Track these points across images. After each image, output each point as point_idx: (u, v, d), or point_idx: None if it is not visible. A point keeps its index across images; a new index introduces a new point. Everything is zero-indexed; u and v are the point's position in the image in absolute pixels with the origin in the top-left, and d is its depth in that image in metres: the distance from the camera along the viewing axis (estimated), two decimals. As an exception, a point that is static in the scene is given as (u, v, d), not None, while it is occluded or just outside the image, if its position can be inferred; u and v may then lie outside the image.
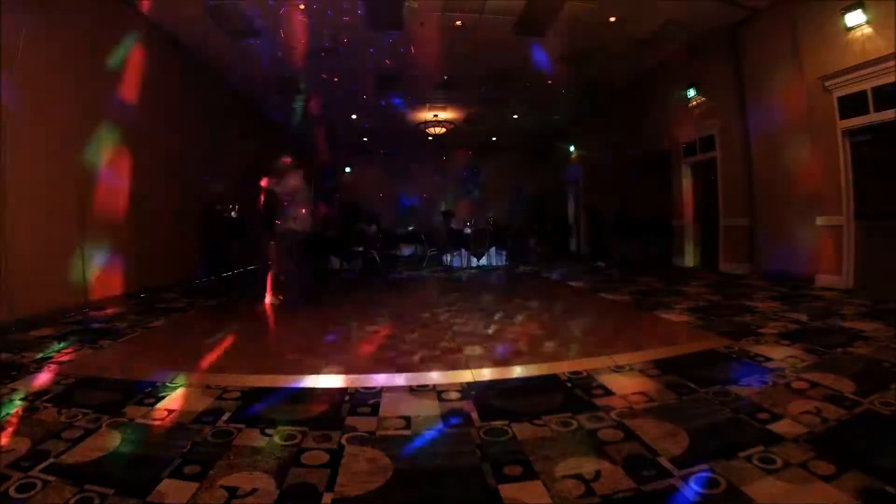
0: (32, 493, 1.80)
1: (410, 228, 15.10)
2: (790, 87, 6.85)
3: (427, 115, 13.15)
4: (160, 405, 2.70)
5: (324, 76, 9.85)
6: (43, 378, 3.16)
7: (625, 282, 7.68)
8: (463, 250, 11.37)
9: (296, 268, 5.75)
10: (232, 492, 1.82)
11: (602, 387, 2.89)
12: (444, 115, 13.20)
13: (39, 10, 5.09)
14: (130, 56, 6.76)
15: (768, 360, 3.28)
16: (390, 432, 2.35)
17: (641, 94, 10.80)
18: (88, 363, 3.57)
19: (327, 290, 7.33)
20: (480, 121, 13.87)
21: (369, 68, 9.51)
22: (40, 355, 3.71)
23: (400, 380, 3.12)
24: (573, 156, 15.26)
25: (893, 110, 5.39)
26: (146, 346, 4.17)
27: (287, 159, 5.92)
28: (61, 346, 4.02)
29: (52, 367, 3.42)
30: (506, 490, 1.82)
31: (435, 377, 3.15)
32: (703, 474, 1.85)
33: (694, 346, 3.70)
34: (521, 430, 2.31)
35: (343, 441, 2.24)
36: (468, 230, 11.89)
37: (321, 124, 13.61)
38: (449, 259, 11.44)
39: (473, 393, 2.86)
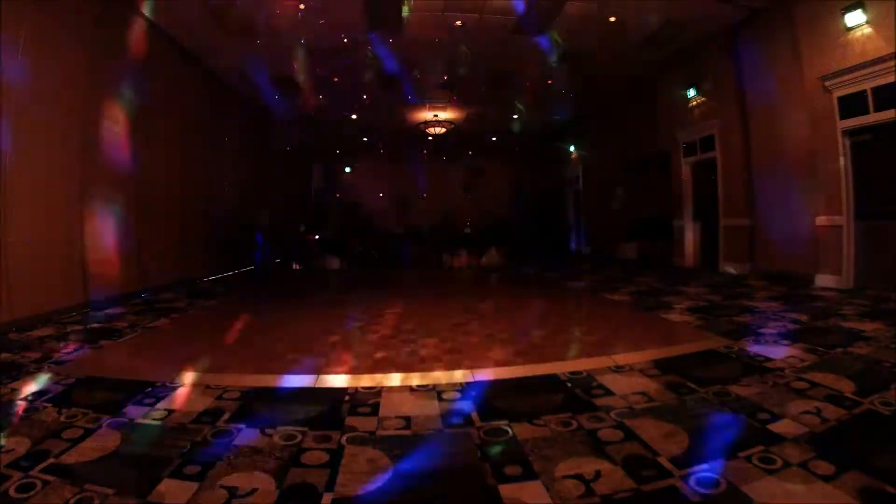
0: (32, 493, 1.79)
1: (410, 228, 15.11)
2: (790, 87, 6.85)
3: (427, 115, 13.16)
4: (160, 405, 2.70)
5: (324, 76, 9.85)
6: (43, 378, 3.16)
7: (624, 282, 7.68)
8: (463, 250, 11.39)
9: None
10: (232, 492, 1.82)
11: (602, 387, 2.89)
12: (444, 115, 13.21)
13: (40, 9, 5.08)
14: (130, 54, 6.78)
15: (768, 359, 3.28)
16: (390, 432, 2.35)
17: (641, 93, 10.80)
18: (88, 363, 3.57)
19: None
20: (480, 121, 13.87)
21: (369, 68, 9.50)
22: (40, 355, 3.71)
23: (400, 380, 3.12)
24: (573, 156, 15.27)
25: (893, 110, 5.39)
26: (146, 346, 4.17)
27: None
28: (61, 345, 4.03)
29: (52, 367, 3.42)
30: (506, 490, 1.81)
31: (435, 377, 3.15)
32: (703, 474, 1.85)
33: (694, 346, 3.70)
34: (521, 430, 2.31)
35: (343, 441, 2.24)
36: (468, 230, 11.91)
37: (320, 123, 13.62)
38: (449, 259, 11.45)
39: (473, 393, 2.86)
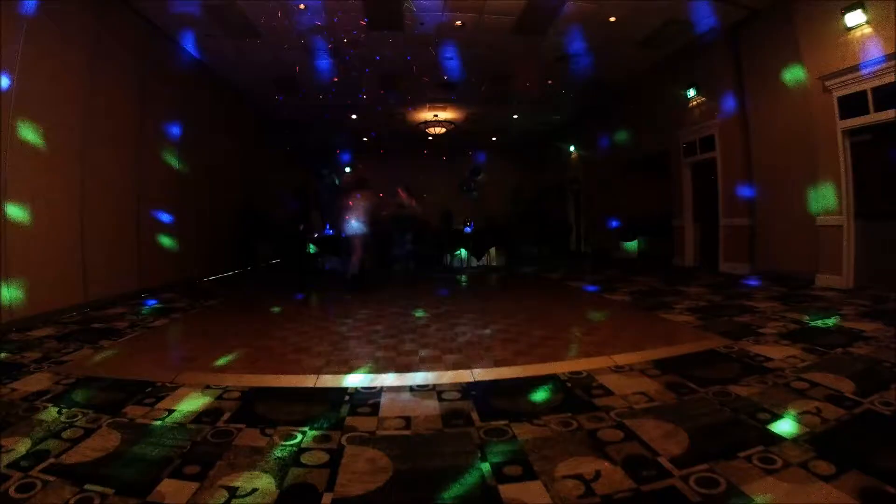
0: (32, 493, 1.79)
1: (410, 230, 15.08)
2: (790, 87, 6.85)
3: (427, 115, 13.16)
4: (160, 405, 2.70)
5: (324, 76, 9.85)
6: (43, 378, 3.16)
7: (624, 282, 7.68)
8: (463, 250, 11.38)
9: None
10: (232, 492, 1.82)
11: (602, 387, 2.89)
12: (444, 115, 13.21)
13: (40, 9, 5.08)
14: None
15: (768, 359, 3.28)
16: (390, 432, 2.35)
17: (641, 94, 10.80)
18: (88, 363, 3.57)
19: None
20: (480, 121, 13.88)
21: (370, 68, 9.50)
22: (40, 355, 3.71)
23: (400, 380, 3.12)
24: (573, 156, 15.27)
25: (893, 110, 5.39)
26: (146, 346, 4.17)
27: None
28: (61, 345, 4.03)
29: (52, 366, 3.42)
30: (506, 490, 1.82)
31: (435, 377, 3.15)
32: (703, 474, 1.85)
33: (694, 346, 3.70)
34: (521, 430, 2.31)
35: (343, 441, 2.24)
36: (468, 230, 11.91)
37: (320, 123, 13.63)
38: (449, 259, 11.45)
39: (473, 393, 2.86)
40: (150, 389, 2.94)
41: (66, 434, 2.30)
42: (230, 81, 10.12)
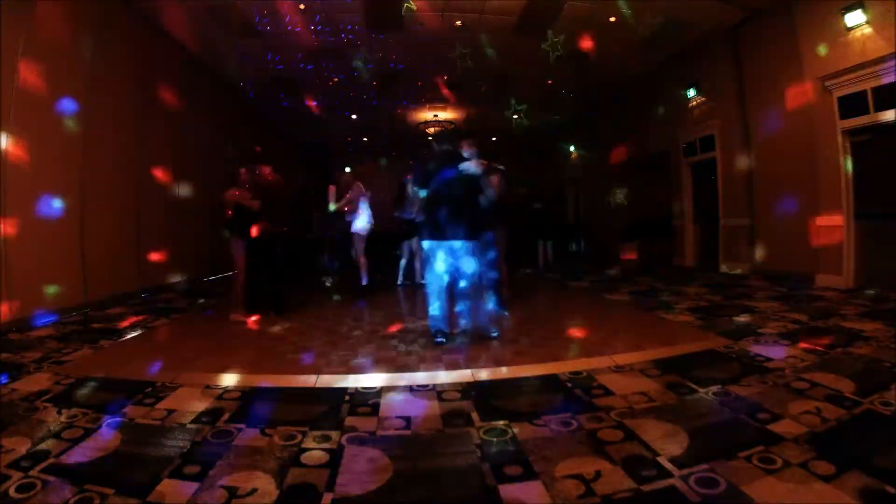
0: (32, 493, 1.79)
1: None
2: (790, 87, 6.85)
3: (427, 115, 13.16)
4: (160, 405, 2.70)
5: (324, 76, 9.85)
6: (43, 378, 3.16)
7: (624, 282, 7.67)
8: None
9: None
10: (232, 492, 1.82)
11: (602, 387, 2.89)
12: (444, 115, 13.21)
13: (40, 9, 5.08)
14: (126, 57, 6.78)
15: (768, 359, 3.28)
16: (390, 432, 2.35)
17: (641, 94, 10.79)
18: (88, 363, 3.57)
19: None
20: (481, 121, 13.86)
21: (369, 68, 9.50)
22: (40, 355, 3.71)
23: (400, 380, 3.12)
24: (573, 155, 15.26)
25: (893, 110, 5.39)
26: (146, 346, 4.17)
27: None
28: (61, 345, 4.03)
29: (52, 366, 3.42)
30: (506, 490, 1.81)
31: (435, 377, 3.15)
32: (703, 474, 1.85)
33: (694, 346, 3.70)
34: (521, 430, 2.31)
35: (343, 441, 2.24)
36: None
37: (320, 124, 13.63)
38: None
39: (473, 393, 2.86)
40: (150, 389, 2.94)
41: (66, 434, 2.30)
42: (231, 81, 10.11)
